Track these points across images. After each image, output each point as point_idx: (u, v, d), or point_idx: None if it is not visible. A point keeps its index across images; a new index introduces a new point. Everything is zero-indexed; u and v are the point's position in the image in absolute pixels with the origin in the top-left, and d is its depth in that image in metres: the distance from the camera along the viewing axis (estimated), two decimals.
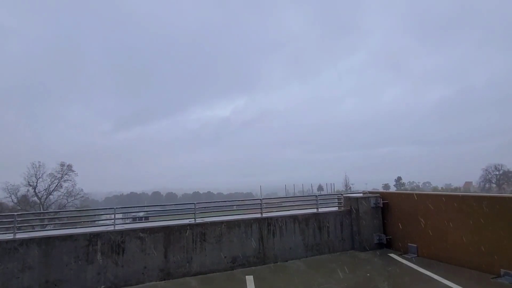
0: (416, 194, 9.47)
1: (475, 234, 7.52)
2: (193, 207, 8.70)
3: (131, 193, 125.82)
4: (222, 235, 8.57)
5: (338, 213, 10.23)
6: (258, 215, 9.38)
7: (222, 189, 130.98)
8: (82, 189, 44.20)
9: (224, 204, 10.17)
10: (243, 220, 8.91)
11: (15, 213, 7.33)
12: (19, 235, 7.17)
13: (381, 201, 10.30)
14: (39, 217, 13.83)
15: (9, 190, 39.14)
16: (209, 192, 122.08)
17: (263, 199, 9.72)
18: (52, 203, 42.31)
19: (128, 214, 11.56)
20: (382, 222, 10.33)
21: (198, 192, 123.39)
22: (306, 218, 9.72)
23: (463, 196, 7.99)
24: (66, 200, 42.96)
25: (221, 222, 8.64)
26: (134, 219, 12.08)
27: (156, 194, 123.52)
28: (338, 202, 10.94)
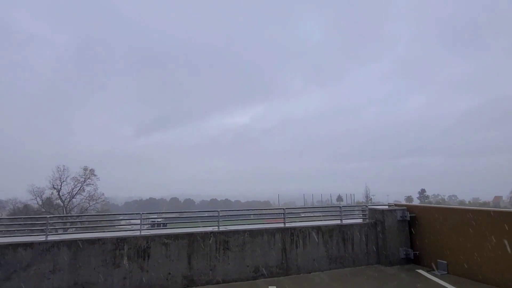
0: (447, 208, 9.11)
1: None
2: (217, 214, 8.73)
3: (150, 198, 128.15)
4: (245, 243, 8.53)
5: (363, 225, 9.98)
6: (281, 225, 9.29)
7: (240, 197, 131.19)
8: (103, 193, 45.37)
9: (246, 212, 10.15)
10: (266, 230, 8.84)
11: (48, 216, 7.60)
12: (51, 237, 7.43)
13: (408, 214, 9.96)
14: (69, 221, 14.26)
15: (35, 193, 40.64)
16: (226, 199, 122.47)
17: (286, 208, 9.64)
18: (75, 206, 43.61)
19: (147, 220, 11.74)
20: (409, 236, 9.98)
21: (215, 199, 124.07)
22: (330, 229, 9.53)
23: (500, 212, 7.61)
24: (88, 204, 44.18)
25: (244, 231, 8.61)
26: (153, 225, 12.25)
27: (174, 200, 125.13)
28: (362, 214, 10.68)
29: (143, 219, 8.31)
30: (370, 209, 10.45)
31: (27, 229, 9.31)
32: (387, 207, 10.34)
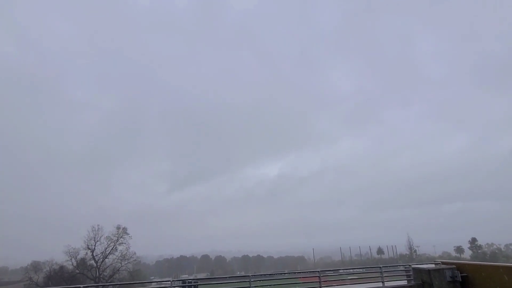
0: (506, 266, 8.09)
1: None
2: (248, 280, 8.34)
3: (181, 256, 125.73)
4: None
5: None
6: (317, 286, 8.65)
7: (272, 252, 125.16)
8: (135, 252, 45.27)
9: (278, 274, 9.62)
10: None
11: (100, 284, 7.61)
12: None
13: (459, 274, 8.95)
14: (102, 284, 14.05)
15: (70, 254, 41.31)
16: (258, 255, 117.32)
17: (321, 270, 9.04)
18: (107, 267, 43.54)
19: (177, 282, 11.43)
20: None
21: (247, 255, 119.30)
22: None
23: None
24: (120, 264, 44.00)
25: None
26: (184, 283, 11.84)
27: (205, 257, 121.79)
28: (406, 275, 9.75)
29: (174, 280, 8.11)
30: (414, 269, 9.53)
31: None
32: (433, 266, 9.39)
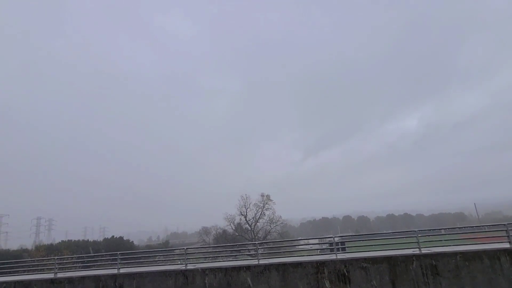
0: None
1: None
2: (415, 235, 7.83)
3: (323, 218, 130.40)
4: (459, 268, 7.18)
5: None
6: (506, 245, 7.37)
7: (423, 210, 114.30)
8: (281, 216, 49.51)
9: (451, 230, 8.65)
10: (485, 252, 7.20)
11: (257, 242, 8.85)
12: (261, 261, 8.55)
13: None
14: (278, 245, 15.80)
15: (229, 219, 48.72)
16: (406, 214, 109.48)
17: (508, 224, 7.61)
18: (260, 229, 49.31)
19: (324, 240, 11.73)
20: None
21: (393, 214, 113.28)
22: None
23: None
24: (269, 227, 49.13)
25: (455, 253, 7.30)
26: (330, 244, 12.09)
27: (347, 218, 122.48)
28: None
29: (320, 238, 8.41)
30: None
31: (237, 254, 11.07)
32: None
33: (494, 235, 8.46)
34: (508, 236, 7.45)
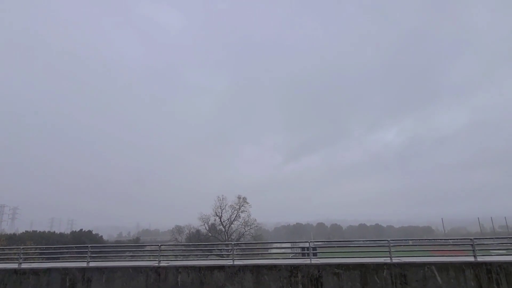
0: None
1: None
2: (387, 244, 8.08)
3: (297, 223, 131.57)
4: (427, 279, 7.47)
5: None
6: (470, 259, 7.73)
7: (393, 222, 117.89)
8: (255, 219, 49.59)
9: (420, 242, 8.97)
10: (451, 264, 7.53)
11: (233, 243, 8.82)
12: (237, 262, 8.53)
13: None
14: (252, 247, 15.77)
15: (203, 219, 48.30)
16: (377, 224, 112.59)
17: (475, 238, 8.01)
18: (233, 231, 49.20)
19: (297, 244, 11.87)
20: None
21: (364, 224, 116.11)
22: None
23: None
24: (244, 229, 49.06)
25: (423, 264, 7.59)
26: (303, 249, 12.27)
27: (321, 225, 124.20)
28: None
29: (286, 242, 8.52)
30: None
31: (212, 254, 10.97)
32: None
33: (460, 249, 8.85)
34: (473, 250, 7.81)
